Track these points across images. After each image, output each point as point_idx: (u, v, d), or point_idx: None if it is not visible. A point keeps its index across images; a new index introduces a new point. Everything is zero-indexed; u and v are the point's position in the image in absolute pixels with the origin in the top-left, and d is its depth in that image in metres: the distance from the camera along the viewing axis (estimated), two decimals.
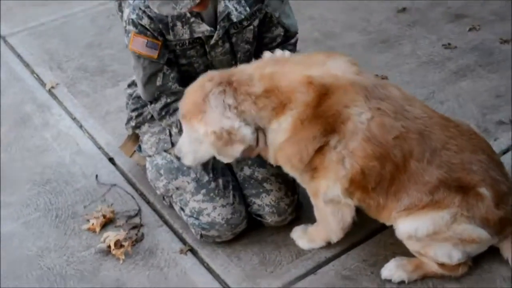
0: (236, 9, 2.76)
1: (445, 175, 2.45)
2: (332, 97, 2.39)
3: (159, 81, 2.74)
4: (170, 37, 2.71)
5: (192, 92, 2.50)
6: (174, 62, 2.78)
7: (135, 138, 3.19)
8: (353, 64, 2.50)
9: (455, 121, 2.62)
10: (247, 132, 2.42)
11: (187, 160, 2.61)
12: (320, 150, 2.46)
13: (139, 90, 2.84)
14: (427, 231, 2.49)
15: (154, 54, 2.69)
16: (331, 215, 2.71)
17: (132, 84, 3.13)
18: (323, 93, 2.38)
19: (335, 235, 2.80)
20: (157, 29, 2.67)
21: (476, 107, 3.70)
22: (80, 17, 4.97)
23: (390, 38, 4.41)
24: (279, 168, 2.87)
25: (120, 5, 2.78)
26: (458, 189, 2.47)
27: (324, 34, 4.45)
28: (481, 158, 2.52)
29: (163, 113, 2.79)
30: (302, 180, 2.68)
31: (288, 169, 2.64)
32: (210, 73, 2.52)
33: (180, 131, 2.71)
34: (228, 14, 2.74)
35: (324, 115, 2.40)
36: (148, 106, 2.85)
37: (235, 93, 2.41)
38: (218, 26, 2.75)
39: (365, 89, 2.41)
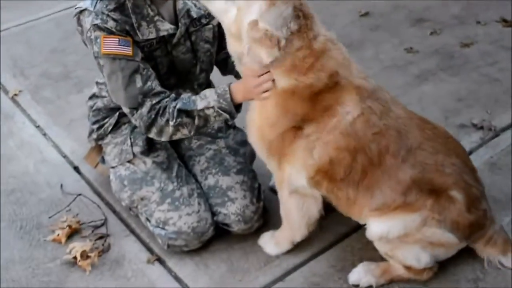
0: (195, 5, 2.80)
1: (418, 175, 2.49)
2: (334, 93, 2.44)
3: (139, 82, 2.65)
4: (138, 37, 2.70)
5: None
6: (147, 62, 2.73)
7: (98, 148, 3.16)
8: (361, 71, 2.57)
9: (433, 123, 2.67)
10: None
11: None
12: (292, 133, 2.49)
13: (120, 99, 2.71)
14: (398, 233, 2.52)
15: (129, 51, 2.64)
16: (295, 208, 2.73)
17: (93, 96, 3.12)
18: (330, 87, 2.43)
19: (299, 233, 2.80)
20: (124, 30, 2.66)
21: (439, 111, 3.76)
22: (45, 22, 4.96)
23: (354, 42, 4.45)
24: (243, 175, 2.92)
25: (79, 19, 2.73)
26: (431, 191, 2.50)
27: None
28: (455, 162, 2.56)
29: (153, 115, 2.66)
30: (269, 165, 2.70)
31: (257, 135, 2.63)
32: None
33: (177, 126, 2.64)
34: (188, 11, 2.78)
35: (317, 101, 2.44)
36: (132, 117, 2.72)
37: (302, 26, 2.39)
38: (179, 24, 2.76)
39: (366, 91, 2.48)
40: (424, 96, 3.89)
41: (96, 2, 2.67)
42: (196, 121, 2.65)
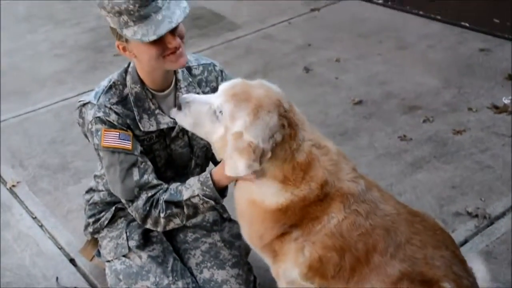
0: None
1: (408, 268, 2.48)
2: (323, 205, 2.46)
3: (136, 176, 2.69)
4: (138, 131, 2.75)
5: (267, 91, 2.43)
6: (146, 154, 2.78)
7: (94, 241, 3.17)
8: (353, 170, 2.57)
9: (423, 215, 2.67)
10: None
11: (183, 118, 2.49)
12: (280, 239, 2.51)
13: (117, 191, 2.74)
14: None
15: (128, 145, 2.69)
16: None
17: (90, 190, 3.15)
18: (320, 199, 2.45)
19: None
20: (125, 124, 2.71)
21: (433, 199, 3.78)
22: (43, 113, 5.04)
23: (348, 130, 4.53)
24: (239, 268, 2.92)
25: (81, 111, 2.79)
26: (422, 282, 2.48)
27: None
28: (444, 254, 2.56)
29: (147, 207, 2.69)
30: (263, 257, 2.69)
31: (247, 239, 2.66)
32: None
33: (168, 217, 2.68)
34: None
35: (307, 213, 2.46)
36: (129, 208, 2.76)
37: (286, 136, 2.39)
38: None
39: (353, 197, 2.49)
40: (418, 184, 3.93)
41: (100, 96, 2.73)
42: (186, 210, 2.68)
